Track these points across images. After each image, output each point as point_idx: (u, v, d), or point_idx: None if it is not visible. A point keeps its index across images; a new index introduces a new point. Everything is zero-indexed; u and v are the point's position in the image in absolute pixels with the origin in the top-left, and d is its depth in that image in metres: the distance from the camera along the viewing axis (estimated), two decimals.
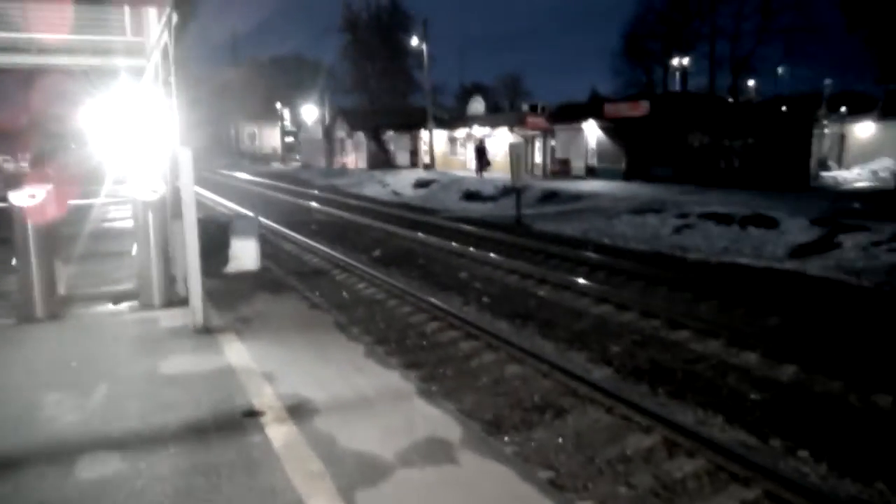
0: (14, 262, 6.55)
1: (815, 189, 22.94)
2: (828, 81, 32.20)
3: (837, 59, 62.01)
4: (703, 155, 26.03)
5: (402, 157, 47.78)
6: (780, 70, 46.85)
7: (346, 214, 21.54)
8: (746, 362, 7.03)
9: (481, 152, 34.36)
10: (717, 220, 15.20)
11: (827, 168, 27.56)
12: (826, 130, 27.70)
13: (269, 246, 14.13)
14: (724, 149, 25.37)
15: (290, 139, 65.38)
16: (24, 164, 12.38)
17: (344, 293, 10.56)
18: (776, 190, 21.56)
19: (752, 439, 5.36)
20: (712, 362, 7.09)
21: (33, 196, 6.43)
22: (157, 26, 7.20)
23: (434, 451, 3.96)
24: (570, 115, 32.67)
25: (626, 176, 28.38)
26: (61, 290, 7.20)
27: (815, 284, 10.67)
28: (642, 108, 28.49)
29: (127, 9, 8.60)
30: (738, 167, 24.82)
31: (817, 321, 8.46)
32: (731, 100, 39.77)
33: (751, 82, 48.42)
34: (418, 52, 42.43)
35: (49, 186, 7.29)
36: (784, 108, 27.19)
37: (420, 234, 16.04)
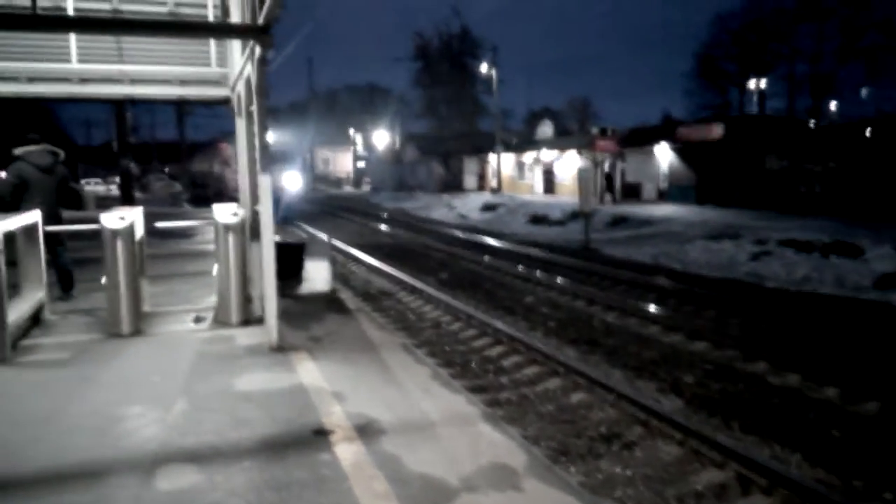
0: (104, 280, 6.93)
1: None
2: None
3: None
4: (782, 179, 25.10)
5: (470, 181, 48.24)
6: (863, 91, 44.81)
7: (413, 237, 21.82)
8: (826, 396, 6.72)
9: (609, 179, 32.19)
10: (797, 248, 14.61)
11: None
12: None
13: (339, 267, 14.45)
14: (804, 173, 24.40)
15: (361, 164, 67.08)
16: (114, 188, 13.14)
17: (410, 315, 10.69)
18: (861, 216, 20.50)
19: (832, 478, 5.11)
20: (790, 396, 6.81)
21: (123, 218, 6.82)
22: (240, 58, 7.58)
23: (498, 477, 3.95)
24: (641, 138, 32.18)
25: (699, 200, 27.63)
26: (146, 307, 7.57)
27: None
28: (717, 130, 27.79)
29: (212, 42, 9.12)
30: (819, 193, 23.80)
31: None
32: (812, 122, 38.29)
33: (832, 104, 46.50)
34: (487, 78, 42.86)
35: (139, 209, 7.73)
36: (869, 130, 25.93)
37: (486, 258, 16.08)
